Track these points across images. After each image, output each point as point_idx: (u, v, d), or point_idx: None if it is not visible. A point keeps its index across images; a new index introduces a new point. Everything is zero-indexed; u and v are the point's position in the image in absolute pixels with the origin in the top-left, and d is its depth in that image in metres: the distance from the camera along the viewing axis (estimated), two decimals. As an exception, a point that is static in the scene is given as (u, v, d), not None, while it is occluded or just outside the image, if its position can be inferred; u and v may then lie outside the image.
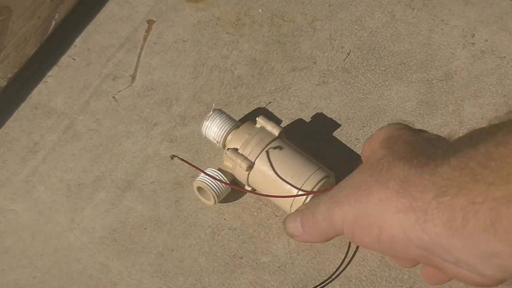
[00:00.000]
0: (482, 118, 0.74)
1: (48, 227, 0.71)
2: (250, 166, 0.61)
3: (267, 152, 0.59)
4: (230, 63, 0.81)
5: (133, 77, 0.81)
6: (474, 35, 0.81)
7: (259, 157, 0.60)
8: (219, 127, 0.65)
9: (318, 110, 0.77)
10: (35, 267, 0.69)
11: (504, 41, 0.80)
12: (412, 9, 0.83)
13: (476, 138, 0.32)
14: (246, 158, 0.61)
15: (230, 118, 0.67)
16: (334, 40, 0.82)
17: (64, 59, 0.82)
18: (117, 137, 0.76)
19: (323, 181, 0.58)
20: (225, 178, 0.64)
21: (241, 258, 0.68)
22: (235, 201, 0.70)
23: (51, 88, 0.80)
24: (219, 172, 0.63)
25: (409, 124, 0.44)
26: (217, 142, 0.67)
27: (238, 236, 0.69)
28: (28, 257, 0.70)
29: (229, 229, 0.70)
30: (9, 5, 0.82)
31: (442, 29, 0.81)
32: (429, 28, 0.82)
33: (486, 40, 0.80)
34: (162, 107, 0.78)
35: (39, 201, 0.73)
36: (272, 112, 0.76)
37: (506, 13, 0.82)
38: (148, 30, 0.84)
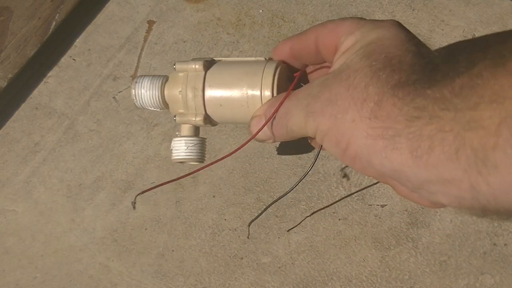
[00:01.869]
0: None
1: (48, 228, 0.71)
2: (206, 65, 0.52)
3: (210, 73, 0.54)
4: (230, 64, 0.81)
5: (134, 78, 0.81)
6: (475, 35, 0.81)
7: (206, 80, 0.52)
8: (150, 88, 0.55)
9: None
10: (35, 267, 0.69)
11: (505, 42, 0.80)
12: (413, 10, 0.83)
13: (453, 70, 0.33)
14: (195, 113, 0.53)
15: (153, 76, 0.56)
16: (335, 40, 0.82)
17: (65, 60, 0.82)
18: (118, 137, 0.76)
19: (278, 70, 0.50)
20: (194, 138, 0.55)
21: (242, 258, 0.68)
22: (235, 202, 0.70)
23: (52, 88, 0.80)
24: (185, 139, 0.55)
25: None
26: (157, 102, 0.55)
27: (239, 236, 0.69)
28: (29, 257, 0.70)
29: (230, 230, 0.70)
30: (9, 5, 0.82)
31: (442, 30, 0.81)
32: (430, 29, 0.82)
33: (487, 40, 0.80)
34: (162, 107, 0.78)
35: (39, 202, 0.73)
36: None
37: (506, 14, 0.82)
38: (148, 31, 0.84)
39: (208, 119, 0.52)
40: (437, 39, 0.81)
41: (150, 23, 0.85)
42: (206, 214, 0.71)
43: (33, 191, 0.73)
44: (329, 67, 0.46)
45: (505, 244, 0.68)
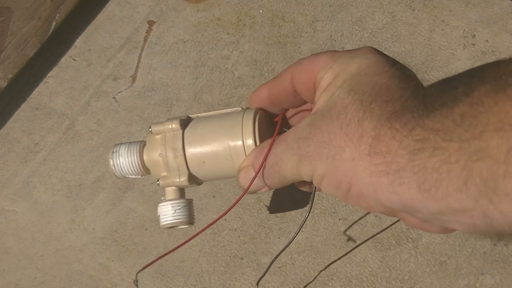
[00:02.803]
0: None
1: (48, 228, 0.71)
2: (183, 123, 0.50)
3: (188, 130, 0.49)
4: (230, 64, 0.81)
5: (134, 78, 0.81)
6: (475, 35, 0.81)
7: (185, 138, 0.50)
8: (128, 155, 0.51)
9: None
10: (35, 267, 0.69)
11: (505, 42, 0.80)
12: (413, 10, 0.83)
13: (451, 98, 0.32)
14: (179, 174, 0.50)
15: (130, 143, 0.53)
16: (335, 40, 0.82)
17: (65, 60, 0.82)
18: (118, 137, 0.76)
19: (257, 118, 0.48)
20: (180, 200, 0.53)
21: (242, 258, 0.68)
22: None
23: (52, 88, 0.80)
24: (171, 202, 0.53)
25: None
26: (138, 169, 0.52)
27: (239, 237, 0.69)
28: (29, 257, 0.69)
29: (230, 230, 0.70)
30: (9, 5, 0.82)
31: (442, 30, 0.81)
32: (430, 29, 0.82)
33: (487, 40, 0.80)
34: (162, 107, 0.78)
35: (39, 202, 0.73)
36: (273, 112, 0.76)
37: (506, 14, 0.82)
38: (148, 31, 0.84)
39: (192, 178, 0.50)
40: (437, 39, 0.81)
41: (150, 23, 0.85)
42: (206, 214, 0.71)
43: (33, 191, 0.73)
44: (309, 110, 0.45)
45: (505, 244, 0.68)
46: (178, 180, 0.49)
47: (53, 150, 0.76)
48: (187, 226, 0.54)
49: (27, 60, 0.79)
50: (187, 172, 0.49)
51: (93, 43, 0.83)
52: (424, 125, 0.32)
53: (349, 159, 0.35)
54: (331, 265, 0.67)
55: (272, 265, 0.67)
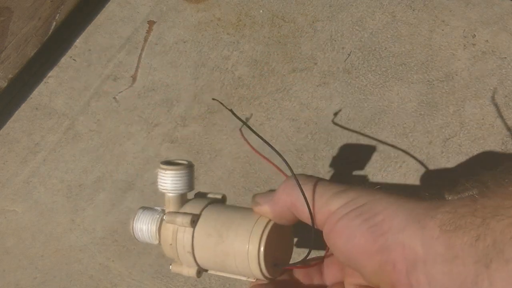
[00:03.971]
0: (483, 119, 0.74)
1: (48, 228, 0.71)
2: (200, 271, 0.51)
3: (199, 232, 0.49)
4: (230, 64, 0.81)
5: (134, 78, 0.81)
6: (475, 35, 0.81)
7: (194, 241, 0.49)
8: (147, 224, 0.53)
9: (319, 111, 0.77)
10: (35, 267, 0.69)
11: (505, 42, 0.80)
12: (413, 10, 0.83)
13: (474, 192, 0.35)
14: (188, 267, 0.51)
15: (153, 211, 0.54)
16: (335, 41, 0.82)
17: (65, 60, 0.82)
18: (118, 138, 0.76)
19: (269, 226, 0.47)
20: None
21: (242, 259, 0.68)
22: (235, 202, 0.70)
23: (52, 89, 0.80)
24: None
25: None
26: (154, 240, 0.53)
27: (239, 237, 0.69)
28: (29, 257, 0.69)
29: (230, 230, 0.70)
30: (9, 6, 0.82)
31: (442, 30, 0.81)
32: (430, 29, 0.82)
33: (487, 41, 0.80)
34: (162, 108, 0.78)
35: (39, 202, 0.73)
36: (273, 113, 0.76)
37: (506, 14, 0.82)
38: (148, 31, 0.84)
39: (202, 272, 0.51)
40: (437, 39, 0.81)
41: (150, 23, 0.85)
42: (207, 214, 0.71)
43: (33, 192, 0.73)
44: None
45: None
46: (187, 272, 0.50)
47: (53, 150, 0.76)
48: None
49: (27, 60, 0.79)
50: (196, 267, 0.50)
51: (93, 43, 0.83)
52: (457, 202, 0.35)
53: (400, 200, 0.37)
54: (331, 265, 0.67)
55: (272, 265, 0.67)
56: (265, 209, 0.46)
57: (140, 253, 0.69)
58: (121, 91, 0.79)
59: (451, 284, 0.32)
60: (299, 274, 0.48)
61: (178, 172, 0.50)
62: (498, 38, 0.80)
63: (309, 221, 0.42)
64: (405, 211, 0.36)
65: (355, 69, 0.79)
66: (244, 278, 0.49)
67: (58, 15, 0.82)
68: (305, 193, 0.41)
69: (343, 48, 0.81)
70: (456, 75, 0.78)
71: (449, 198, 0.35)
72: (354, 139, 0.75)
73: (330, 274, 0.48)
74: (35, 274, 0.68)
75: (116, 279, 0.67)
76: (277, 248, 0.48)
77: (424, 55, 0.80)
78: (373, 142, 0.73)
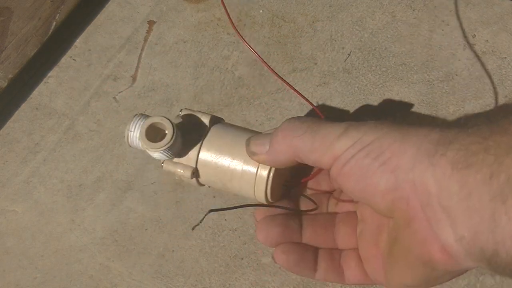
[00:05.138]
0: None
1: (48, 228, 0.71)
2: (194, 172, 0.50)
3: (207, 143, 0.49)
4: (230, 64, 0.81)
5: (134, 78, 0.81)
6: (475, 35, 0.81)
7: (205, 140, 0.49)
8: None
9: (319, 111, 0.77)
10: (35, 268, 0.69)
11: (505, 42, 0.80)
12: (413, 10, 0.83)
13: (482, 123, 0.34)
14: (185, 166, 0.50)
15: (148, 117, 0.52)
16: (335, 41, 0.82)
17: (65, 60, 0.82)
18: (118, 137, 0.76)
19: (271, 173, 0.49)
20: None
21: (242, 259, 0.68)
22: (235, 202, 0.70)
23: (52, 88, 0.80)
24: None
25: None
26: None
27: (239, 237, 0.69)
28: (29, 258, 0.70)
29: (230, 230, 0.70)
30: (9, 5, 0.82)
31: (443, 30, 0.81)
32: (430, 29, 0.82)
33: (487, 40, 0.80)
34: (162, 108, 0.78)
35: (39, 202, 0.73)
36: (273, 113, 0.76)
37: (506, 14, 0.82)
38: (148, 31, 0.84)
39: (197, 175, 0.49)
40: (438, 39, 0.81)
41: (150, 23, 0.85)
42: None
43: (33, 192, 0.73)
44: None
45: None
46: (181, 171, 0.49)
47: (53, 150, 0.76)
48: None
49: (27, 60, 0.79)
50: (193, 166, 0.48)
51: (93, 43, 0.83)
52: (481, 127, 0.35)
53: (406, 131, 0.36)
54: (331, 265, 0.67)
55: (272, 265, 0.67)
56: (263, 158, 0.44)
57: (140, 253, 0.69)
58: (121, 91, 0.79)
59: (469, 221, 0.32)
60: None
61: (165, 146, 0.48)
62: (498, 38, 0.80)
63: (314, 165, 0.42)
64: (413, 147, 0.35)
65: (355, 69, 0.80)
66: (241, 195, 0.48)
67: (58, 15, 0.82)
68: (306, 140, 0.40)
69: (343, 48, 0.81)
70: (456, 75, 0.78)
71: (459, 134, 0.35)
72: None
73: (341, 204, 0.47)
74: (35, 274, 0.68)
75: (116, 279, 0.67)
76: (283, 172, 0.47)
77: (424, 55, 0.80)
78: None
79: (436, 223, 0.33)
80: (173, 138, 0.47)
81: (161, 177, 0.73)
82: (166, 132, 0.47)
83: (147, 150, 0.48)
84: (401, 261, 0.37)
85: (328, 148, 0.38)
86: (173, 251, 0.69)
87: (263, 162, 0.44)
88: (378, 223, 0.42)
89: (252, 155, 0.45)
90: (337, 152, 0.38)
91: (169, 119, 0.48)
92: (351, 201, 0.46)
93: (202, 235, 0.70)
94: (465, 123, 0.37)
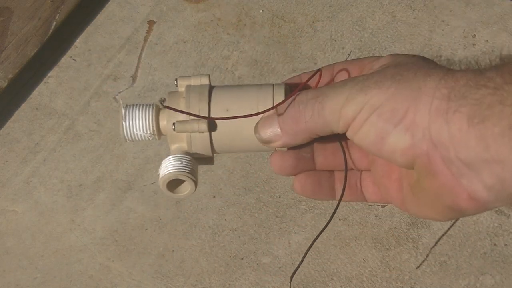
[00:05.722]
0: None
1: (48, 228, 0.71)
2: (211, 123, 0.45)
3: (215, 99, 0.47)
4: (231, 64, 0.81)
5: (134, 78, 0.81)
6: (475, 35, 0.81)
7: (211, 110, 0.45)
8: (143, 118, 0.47)
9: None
10: (35, 267, 0.69)
11: (505, 42, 0.80)
12: (413, 10, 0.83)
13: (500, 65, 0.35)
14: (198, 120, 0.45)
15: (145, 105, 0.48)
16: (335, 40, 0.82)
17: (65, 60, 0.82)
18: (118, 138, 0.76)
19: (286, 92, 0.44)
20: (188, 157, 0.46)
21: (242, 259, 0.68)
22: (235, 202, 0.70)
23: (52, 88, 0.80)
24: (180, 156, 0.46)
25: None
26: (151, 134, 0.48)
27: (239, 237, 0.69)
28: (29, 258, 0.69)
29: (230, 230, 0.70)
30: (9, 6, 0.82)
31: (443, 30, 0.81)
32: (430, 29, 0.82)
33: (487, 40, 0.80)
34: (162, 108, 0.78)
35: (39, 202, 0.73)
36: (273, 112, 0.76)
37: (506, 14, 0.82)
38: (148, 31, 0.84)
39: (211, 127, 0.44)
40: (437, 39, 0.81)
41: (150, 23, 0.85)
42: (207, 214, 0.71)
43: (33, 192, 0.73)
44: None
45: (506, 245, 0.68)
46: (196, 125, 0.44)
47: (53, 150, 0.76)
48: (193, 186, 0.45)
49: (27, 60, 0.79)
50: (207, 119, 0.44)
51: (93, 43, 0.83)
52: (492, 69, 0.34)
53: (415, 87, 0.36)
54: (331, 266, 0.67)
55: (272, 265, 0.67)
56: (279, 144, 0.43)
57: (140, 253, 0.69)
58: (121, 91, 0.79)
59: (493, 171, 0.32)
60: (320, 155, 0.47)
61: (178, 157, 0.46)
62: (498, 38, 0.80)
63: (331, 135, 0.41)
64: (425, 106, 0.35)
65: (355, 69, 0.80)
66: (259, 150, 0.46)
67: (58, 15, 0.82)
68: (316, 119, 0.39)
69: (343, 48, 0.81)
70: (456, 75, 0.78)
71: (468, 86, 0.35)
72: (354, 139, 0.75)
73: (356, 157, 0.46)
74: (35, 274, 0.68)
75: (116, 279, 0.67)
76: None
77: (424, 55, 0.80)
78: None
79: (461, 176, 0.34)
80: (195, 189, 0.45)
81: (161, 177, 0.73)
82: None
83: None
84: (427, 204, 0.38)
85: (339, 118, 0.38)
86: (173, 251, 0.69)
87: (279, 147, 0.44)
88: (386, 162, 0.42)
89: (266, 143, 0.44)
90: (349, 119, 0.38)
91: (186, 171, 0.45)
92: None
93: (202, 235, 0.70)
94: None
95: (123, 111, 0.45)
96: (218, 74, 0.80)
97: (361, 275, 0.66)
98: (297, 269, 0.49)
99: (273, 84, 0.44)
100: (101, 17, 0.85)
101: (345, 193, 0.45)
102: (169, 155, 0.45)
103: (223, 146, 0.45)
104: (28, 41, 0.80)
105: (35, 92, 0.80)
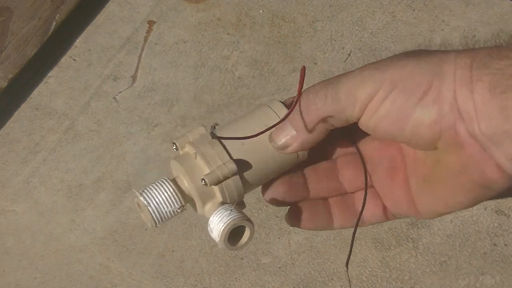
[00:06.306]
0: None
1: (48, 228, 0.71)
2: (236, 162, 0.43)
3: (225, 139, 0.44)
4: (231, 64, 0.81)
5: (134, 78, 0.81)
6: (475, 35, 0.81)
7: (228, 150, 0.43)
8: (165, 193, 0.46)
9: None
10: (35, 268, 0.69)
11: (505, 42, 0.80)
12: (413, 10, 0.83)
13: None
14: (221, 165, 0.43)
15: (158, 181, 0.46)
16: (335, 40, 0.82)
17: (65, 60, 0.82)
18: (118, 138, 0.76)
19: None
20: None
21: (242, 259, 0.68)
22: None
23: (52, 88, 0.80)
24: (223, 207, 0.44)
25: None
26: (180, 205, 0.46)
27: (239, 237, 0.69)
28: (29, 258, 0.70)
29: (230, 230, 0.70)
30: (9, 6, 0.82)
31: (443, 30, 0.81)
32: (430, 29, 0.82)
33: (487, 41, 0.80)
34: (162, 108, 0.78)
35: (39, 202, 0.73)
36: (273, 113, 0.76)
37: (506, 14, 0.82)
38: (148, 31, 0.84)
39: (239, 166, 0.43)
40: (438, 39, 0.81)
41: (150, 23, 0.85)
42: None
43: (33, 192, 0.73)
44: None
45: (506, 245, 0.68)
46: (225, 168, 0.42)
47: (53, 150, 0.76)
48: (252, 229, 0.45)
49: (27, 60, 0.79)
50: (230, 159, 0.42)
51: (93, 43, 0.83)
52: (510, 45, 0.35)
53: (436, 61, 0.35)
54: (331, 266, 0.67)
55: (272, 265, 0.67)
56: (296, 146, 0.41)
57: (140, 253, 0.69)
58: (121, 91, 0.79)
59: (511, 144, 0.33)
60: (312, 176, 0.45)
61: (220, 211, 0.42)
62: (498, 38, 0.80)
63: (347, 124, 0.39)
64: (449, 76, 0.35)
65: (355, 69, 0.80)
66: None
67: (58, 15, 0.82)
68: (331, 103, 0.38)
69: (343, 48, 0.81)
70: (456, 75, 0.78)
71: (490, 57, 0.35)
72: (354, 139, 0.75)
73: (346, 176, 0.45)
74: (35, 274, 0.68)
75: (116, 279, 0.67)
76: None
77: (424, 55, 0.80)
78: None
79: (486, 148, 0.34)
80: (253, 235, 0.44)
81: (161, 177, 0.73)
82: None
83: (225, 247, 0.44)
84: (449, 187, 0.37)
85: (355, 100, 0.37)
86: (173, 251, 0.69)
87: (298, 149, 0.43)
88: (389, 158, 0.41)
89: (282, 149, 0.43)
90: (366, 100, 0.37)
91: (242, 217, 0.43)
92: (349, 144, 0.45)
93: (202, 235, 0.70)
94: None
95: (141, 197, 0.44)
96: (218, 74, 0.80)
97: (361, 275, 0.66)
98: (349, 256, 0.46)
99: (264, 104, 0.43)
100: (101, 17, 0.85)
101: (342, 219, 0.44)
102: (207, 216, 0.43)
103: (254, 179, 0.44)
104: (28, 41, 0.80)
105: (35, 92, 0.80)
